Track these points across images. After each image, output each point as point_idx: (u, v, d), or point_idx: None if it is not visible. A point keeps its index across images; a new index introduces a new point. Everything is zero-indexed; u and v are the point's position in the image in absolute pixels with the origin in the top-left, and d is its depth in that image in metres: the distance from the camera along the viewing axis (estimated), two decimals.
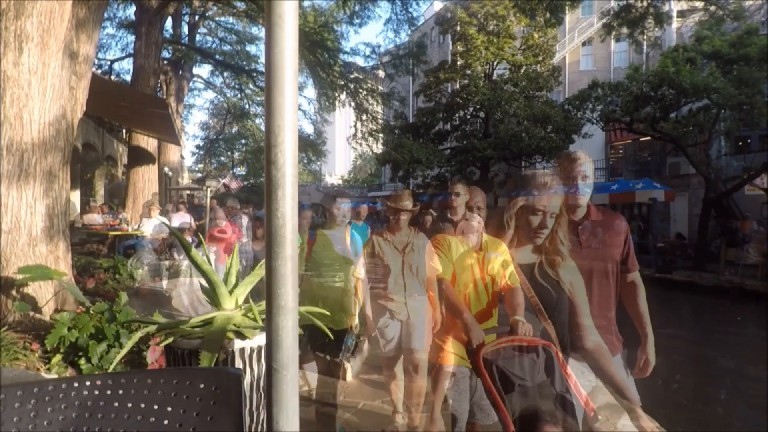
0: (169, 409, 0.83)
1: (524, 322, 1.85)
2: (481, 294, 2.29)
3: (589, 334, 1.96)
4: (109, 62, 19.22)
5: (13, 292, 3.71)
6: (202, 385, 0.85)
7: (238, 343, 2.27)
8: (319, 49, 14.66)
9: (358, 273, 3.16)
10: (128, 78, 14.12)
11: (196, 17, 20.11)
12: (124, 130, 16.74)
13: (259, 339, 2.30)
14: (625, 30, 11.35)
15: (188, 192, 20.08)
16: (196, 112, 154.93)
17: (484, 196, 2.38)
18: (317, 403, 3.54)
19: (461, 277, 2.30)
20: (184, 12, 18.17)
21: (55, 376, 3.01)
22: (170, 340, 2.28)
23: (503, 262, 2.23)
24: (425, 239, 3.16)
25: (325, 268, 3.56)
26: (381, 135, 20.48)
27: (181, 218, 9.38)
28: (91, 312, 3.38)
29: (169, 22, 16.12)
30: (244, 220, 8.00)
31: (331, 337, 2.68)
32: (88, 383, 0.85)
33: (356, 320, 3.23)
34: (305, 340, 3.56)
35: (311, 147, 25.44)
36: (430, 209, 4.39)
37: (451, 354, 2.33)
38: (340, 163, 74.09)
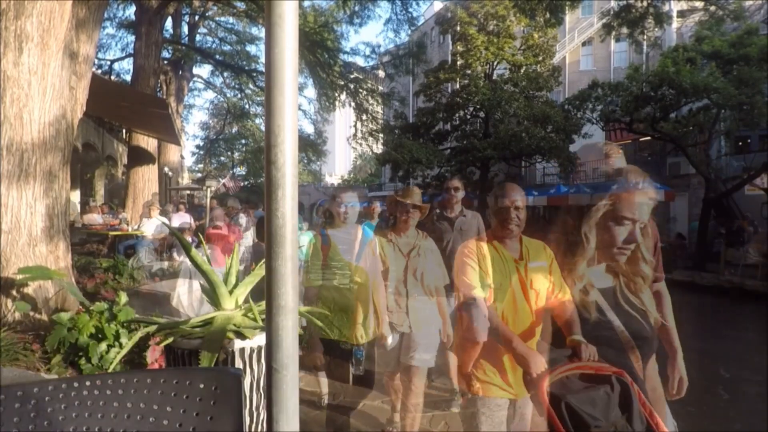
0: (169, 409, 0.83)
1: (587, 344, 1.52)
2: (522, 312, 1.89)
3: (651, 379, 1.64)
4: (109, 62, 19.25)
5: (13, 292, 3.71)
6: (202, 385, 0.85)
7: (238, 343, 2.28)
8: (319, 49, 14.66)
9: (359, 278, 2.76)
10: (128, 78, 14.14)
11: (196, 17, 20.11)
12: (124, 130, 16.75)
13: (259, 339, 2.31)
14: (625, 30, 11.35)
15: (188, 192, 20.10)
16: (196, 112, 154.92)
17: (523, 195, 2.01)
18: (316, 404, 3.54)
19: (498, 292, 1.89)
20: (184, 12, 18.17)
21: (55, 376, 3.01)
22: (170, 340, 2.28)
23: (549, 271, 1.89)
24: (433, 243, 2.93)
25: (337, 273, 3.01)
26: (381, 135, 20.48)
27: (181, 218, 9.39)
28: (91, 312, 3.38)
29: (169, 22, 16.13)
30: (243, 220, 8.01)
31: (331, 336, 2.67)
32: (88, 383, 0.85)
33: (361, 331, 2.81)
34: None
35: (311, 147, 25.46)
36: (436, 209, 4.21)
37: (489, 385, 1.93)
38: (340, 163, 74.13)
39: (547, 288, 1.87)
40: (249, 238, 7.38)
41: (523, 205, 1.98)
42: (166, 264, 6.78)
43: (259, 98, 23.26)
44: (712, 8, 12.17)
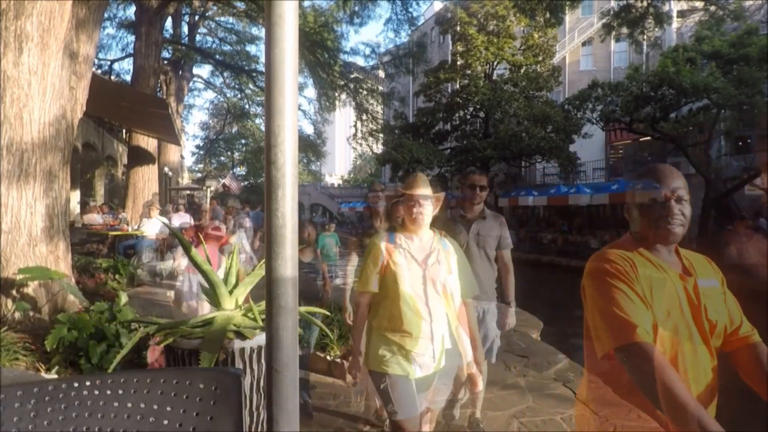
0: (169, 409, 0.83)
1: None
2: (702, 358, 1.20)
3: None
4: (109, 62, 19.30)
5: (13, 292, 3.71)
6: (202, 385, 0.85)
7: (238, 343, 2.28)
8: (319, 49, 14.69)
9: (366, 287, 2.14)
10: (128, 78, 14.17)
11: (196, 17, 20.13)
12: (124, 130, 16.76)
13: (259, 339, 2.31)
14: (625, 30, 11.38)
15: (188, 192, 20.10)
16: (196, 112, 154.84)
17: (685, 182, 1.33)
18: (317, 404, 3.54)
19: (664, 327, 1.19)
20: (184, 12, 18.19)
21: (55, 376, 3.01)
22: (170, 340, 2.29)
23: (723, 295, 1.30)
24: (455, 243, 2.31)
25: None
26: (381, 135, 20.55)
27: (181, 218, 9.38)
28: (91, 312, 3.38)
29: (169, 22, 16.14)
30: (230, 222, 7.96)
31: (331, 336, 2.66)
32: (88, 383, 0.85)
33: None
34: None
35: (311, 147, 25.52)
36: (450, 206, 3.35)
37: None
38: (340, 163, 74.19)
39: (724, 322, 1.23)
40: (240, 240, 7.18)
41: (688, 195, 1.29)
42: (169, 264, 6.77)
43: (259, 98, 23.29)
44: (712, 8, 12.19)
